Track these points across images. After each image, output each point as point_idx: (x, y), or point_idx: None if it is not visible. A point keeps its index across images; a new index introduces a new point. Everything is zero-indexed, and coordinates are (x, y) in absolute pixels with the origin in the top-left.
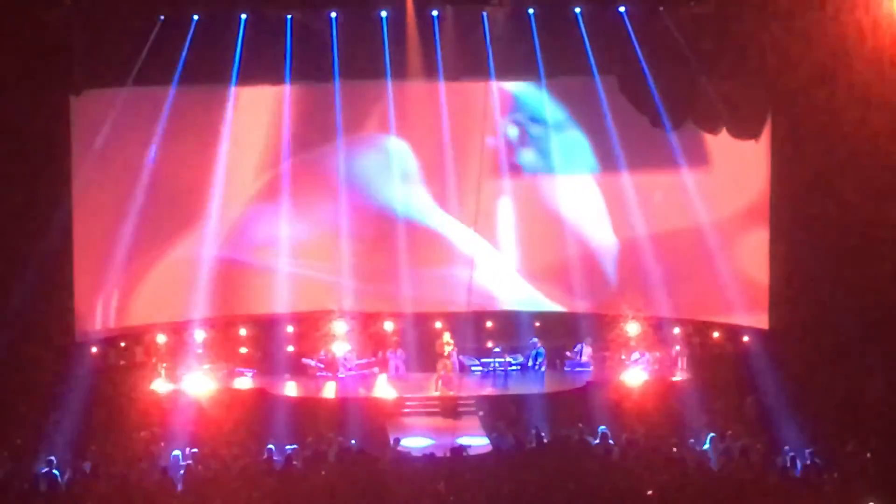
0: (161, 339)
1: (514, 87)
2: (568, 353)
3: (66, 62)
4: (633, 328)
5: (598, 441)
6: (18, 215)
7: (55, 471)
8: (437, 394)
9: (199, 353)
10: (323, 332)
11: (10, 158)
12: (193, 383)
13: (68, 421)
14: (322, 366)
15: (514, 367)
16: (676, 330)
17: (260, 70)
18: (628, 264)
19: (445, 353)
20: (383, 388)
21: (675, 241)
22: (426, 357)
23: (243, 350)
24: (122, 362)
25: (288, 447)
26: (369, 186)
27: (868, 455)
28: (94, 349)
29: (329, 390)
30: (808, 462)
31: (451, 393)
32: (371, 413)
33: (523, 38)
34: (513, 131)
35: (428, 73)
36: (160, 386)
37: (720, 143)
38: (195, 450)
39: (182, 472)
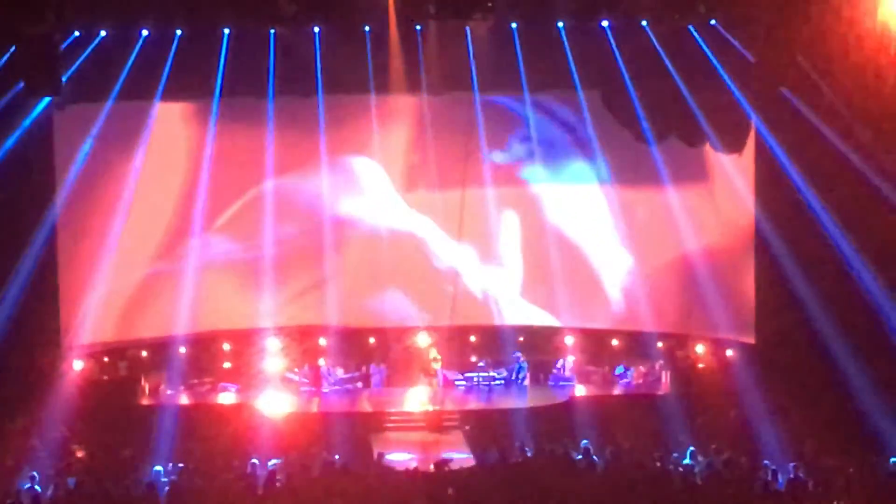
0: (144, 354)
1: (498, 101)
2: (551, 370)
3: (48, 77)
4: (616, 342)
5: (581, 455)
6: (2, 230)
7: (38, 486)
8: (421, 408)
9: (183, 368)
10: (306, 347)
11: None
12: (178, 398)
13: (52, 436)
14: (306, 380)
15: (497, 382)
16: (660, 344)
17: (242, 85)
18: (613, 278)
19: (431, 368)
20: (367, 403)
21: (659, 255)
22: (410, 371)
23: (227, 365)
24: (105, 377)
25: (271, 462)
26: (353, 201)
27: (851, 471)
28: (77, 364)
29: (313, 405)
30: (792, 476)
31: (436, 407)
32: (355, 428)
33: (506, 52)
34: (496, 145)
35: (411, 87)
36: (144, 401)
37: (705, 157)
38: (179, 465)
39: (166, 487)
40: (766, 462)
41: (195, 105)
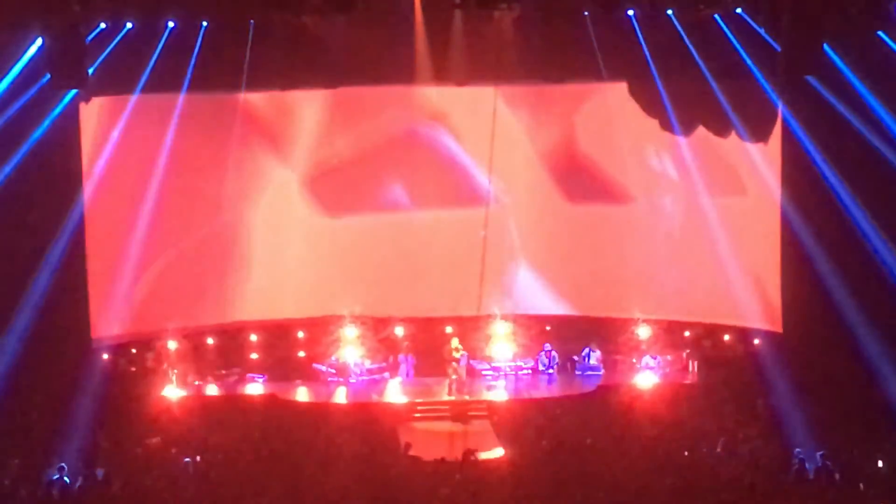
0: (172, 345)
1: (523, 91)
2: (575, 357)
3: (75, 69)
4: (643, 332)
5: (609, 445)
6: (31, 223)
7: (67, 478)
8: (448, 398)
9: (210, 359)
10: (334, 338)
11: (20, 167)
12: (204, 389)
13: (80, 427)
14: (333, 371)
15: (524, 371)
16: (687, 333)
17: (269, 76)
18: (640, 267)
19: (456, 358)
20: (394, 394)
21: (686, 244)
22: (437, 362)
23: (254, 356)
24: (133, 368)
25: (299, 453)
26: (381, 190)
27: (880, 462)
28: (105, 356)
29: (340, 396)
30: (819, 465)
31: (463, 398)
32: (382, 418)
33: (532, 42)
34: (522, 135)
35: (436, 76)
36: (171, 392)
37: (731, 146)
38: (206, 456)
39: (193, 477)
40: (797, 451)
41: (222, 96)
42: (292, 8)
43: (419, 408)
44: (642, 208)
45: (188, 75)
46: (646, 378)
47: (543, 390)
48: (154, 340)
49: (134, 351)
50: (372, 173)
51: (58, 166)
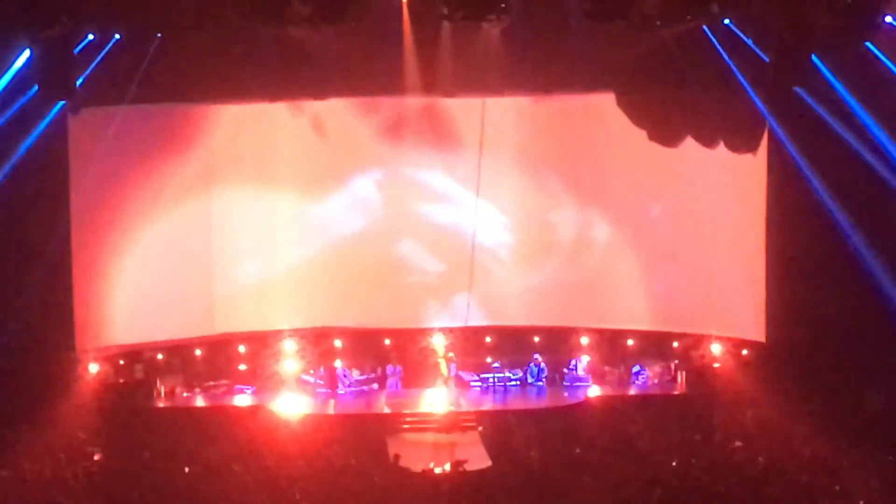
0: (160, 356)
1: (511, 102)
2: (564, 369)
3: (62, 81)
4: (631, 342)
5: (598, 455)
6: (18, 233)
7: (54, 489)
8: (437, 410)
9: (198, 370)
10: (322, 349)
11: (7, 178)
12: (194, 401)
13: (68, 439)
14: (321, 382)
15: (513, 382)
16: (675, 344)
17: (257, 87)
18: (628, 278)
19: (447, 369)
20: (383, 405)
21: (674, 254)
22: (426, 373)
23: (242, 367)
24: (121, 380)
25: (288, 464)
26: (369, 201)
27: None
28: (92, 367)
29: (329, 407)
30: (808, 475)
31: (451, 409)
32: (371, 429)
33: (520, 53)
34: (510, 146)
35: (424, 87)
36: (160, 404)
37: (719, 157)
38: (196, 467)
39: (182, 489)
40: (786, 460)
41: (210, 108)
42: (280, 19)
43: (408, 419)
44: (630, 218)
45: (176, 87)
46: (634, 389)
47: (532, 401)
48: (142, 352)
49: (122, 363)
50: (360, 184)
51: (45, 178)
